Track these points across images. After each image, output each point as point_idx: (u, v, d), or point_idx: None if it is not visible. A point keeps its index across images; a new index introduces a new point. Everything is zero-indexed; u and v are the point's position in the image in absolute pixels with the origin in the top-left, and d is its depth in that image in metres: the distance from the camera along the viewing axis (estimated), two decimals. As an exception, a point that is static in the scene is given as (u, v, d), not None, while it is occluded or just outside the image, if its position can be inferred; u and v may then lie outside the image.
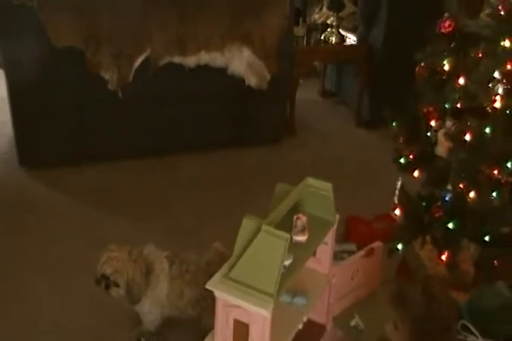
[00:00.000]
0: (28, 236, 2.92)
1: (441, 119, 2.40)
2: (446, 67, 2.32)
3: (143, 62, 3.41)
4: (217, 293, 1.82)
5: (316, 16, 4.55)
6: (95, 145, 3.56)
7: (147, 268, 2.15)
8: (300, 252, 1.94)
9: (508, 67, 2.11)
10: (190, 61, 3.50)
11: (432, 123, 2.42)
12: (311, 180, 2.07)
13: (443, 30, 2.34)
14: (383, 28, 3.98)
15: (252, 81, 3.64)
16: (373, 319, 2.06)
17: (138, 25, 3.35)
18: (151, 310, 2.22)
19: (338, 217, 2.11)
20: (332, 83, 4.59)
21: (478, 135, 2.15)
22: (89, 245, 2.80)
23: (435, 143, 2.41)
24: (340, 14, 4.28)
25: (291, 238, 1.91)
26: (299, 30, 4.26)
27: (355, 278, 2.26)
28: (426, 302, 1.69)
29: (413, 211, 2.35)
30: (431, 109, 2.42)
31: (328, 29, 4.22)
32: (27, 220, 3.05)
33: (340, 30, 4.24)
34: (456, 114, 2.34)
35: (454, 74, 2.29)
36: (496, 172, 2.09)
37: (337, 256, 2.37)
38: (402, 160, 2.44)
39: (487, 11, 2.27)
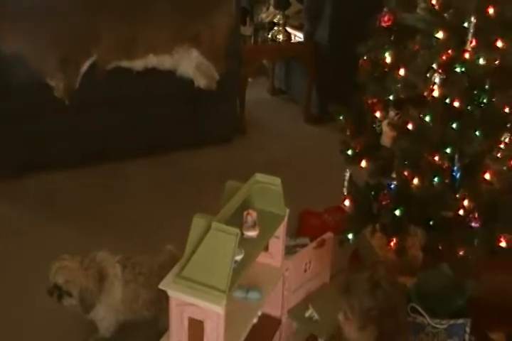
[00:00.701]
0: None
1: (384, 110, 2.45)
2: (388, 60, 2.37)
3: (90, 67, 3.38)
4: (170, 293, 1.83)
5: (263, 15, 4.58)
6: (41, 153, 3.50)
7: (100, 274, 2.14)
8: (251, 247, 1.96)
9: (444, 57, 2.18)
10: (138, 64, 3.49)
11: (377, 114, 2.47)
12: (259, 176, 2.10)
13: (383, 24, 2.40)
14: (328, 25, 4.05)
15: (201, 82, 3.65)
16: (328, 309, 2.09)
17: (83, 29, 3.32)
18: (105, 317, 2.21)
19: (288, 210, 2.14)
20: (281, 81, 4.64)
21: (419, 123, 2.21)
22: (39, 256, 2.76)
23: (380, 134, 2.47)
24: (287, 12, 4.33)
25: (242, 233, 1.93)
26: (247, 30, 4.28)
27: (308, 270, 2.29)
28: (371, 288, 1.72)
29: (362, 201, 2.40)
30: (375, 100, 2.47)
31: (275, 27, 4.26)
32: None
33: (287, 28, 4.29)
34: (398, 104, 2.40)
35: (394, 66, 2.35)
36: (436, 158, 2.16)
37: (291, 251, 2.39)
38: (349, 152, 2.48)
39: (422, 5, 2.33)
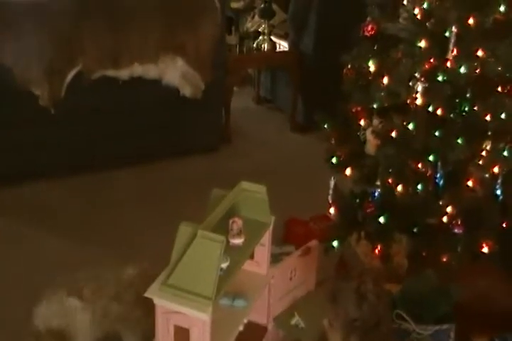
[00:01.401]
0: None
1: (369, 118, 2.48)
2: (372, 68, 2.40)
3: (75, 76, 3.38)
4: (156, 301, 1.83)
5: (249, 25, 4.61)
6: (27, 162, 3.48)
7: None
8: (237, 255, 1.97)
9: (426, 66, 2.22)
10: (124, 74, 3.49)
11: (361, 122, 2.50)
12: (245, 184, 2.11)
13: (366, 34, 2.43)
14: (313, 35, 4.08)
15: (186, 91, 3.66)
16: (313, 316, 2.10)
17: (68, 39, 3.32)
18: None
19: (273, 218, 2.15)
20: (266, 90, 4.66)
21: (403, 131, 2.24)
22: (26, 265, 2.77)
23: (365, 142, 2.49)
24: (272, 22, 4.36)
25: (228, 241, 1.94)
26: (232, 39, 4.31)
27: (293, 278, 2.30)
28: (357, 300, 1.73)
29: (347, 208, 2.42)
30: (359, 108, 2.50)
31: (260, 37, 4.28)
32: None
33: (272, 38, 4.32)
34: (382, 112, 2.43)
35: (378, 74, 2.38)
36: (420, 165, 2.18)
37: (276, 259, 2.40)
38: (334, 160, 2.50)
39: (404, 14, 2.36)
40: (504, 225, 2.30)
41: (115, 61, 3.44)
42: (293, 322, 2.20)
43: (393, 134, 2.30)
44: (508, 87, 2.20)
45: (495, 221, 2.25)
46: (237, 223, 2.01)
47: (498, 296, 2.25)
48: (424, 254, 2.23)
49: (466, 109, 2.20)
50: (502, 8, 2.13)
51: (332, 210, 2.48)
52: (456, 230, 2.19)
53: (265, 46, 4.25)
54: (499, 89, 2.22)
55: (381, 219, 2.27)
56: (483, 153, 2.21)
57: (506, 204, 2.30)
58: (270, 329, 2.22)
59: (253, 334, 2.15)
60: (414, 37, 2.24)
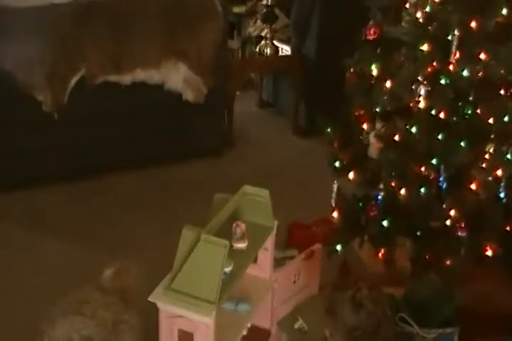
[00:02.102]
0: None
1: (371, 122, 2.48)
2: (374, 72, 2.40)
3: (78, 82, 3.39)
4: (160, 305, 1.83)
5: (251, 29, 4.62)
6: (29, 168, 3.48)
7: None
8: (240, 259, 1.97)
9: (429, 69, 2.22)
10: (126, 79, 3.50)
11: (364, 126, 2.50)
12: (248, 188, 2.11)
13: (369, 37, 2.43)
14: (315, 39, 4.09)
15: (189, 96, 3.66)
16: (317, 320, 2.10)
17: (71, 44, 3.33)
18: None
19: (276, 222, 2.15)
20: (269, 94, 4.66)
21: (406, 135, 2.24)
22: (27, 270, 2.78)
23: (368, 146, 2.49)
24: (274, 26, 4.36)
25: (231, 245, 1.94)
26: (234, 43, 4.31)
27: (297, 282, 2.30)
28: (354, 309, 1.74)
29: (350, 212, 2.42)
30: (362, 112, 2.50)
31: (263, 41, 4.29)
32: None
33: (275, 42, 4.32)
34: (385, 116, 2.42)
35: (381, 78, 2.38)
36: (423, 169, 2.18)
37: (279, 263, 2.40)
38: (337, 164, 2.50)
39: (407, 18, 2.37)
40: (507, 228, 2.30)
41: (117, 66, 3.45)
42: (296, 326, 2.20)
43: (396, 138, 2.29)
44: (511, 90, 2.20)
45: (498, 224, 2.25)
46: (240, 227, 2.01)
47: (502, 299, 2.24)
48: (427, 258, 2.22)
49: (469, 112, 2.20)
50: (504, 11, 2.13)
51: (335, 214, 2.47)
52: (459, 233, 2.18)
53: (267, 50, 4.25)
54: (502, 92, 2.22)
55: (384, 223, 2.26)
56: (487, 156, 2.21)
57: (509, 208, 2.29)
58: (274, 333, 2.22)
59: (256, 339, 2.15)
60: (416, 40, 2.24)
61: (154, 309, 1.84)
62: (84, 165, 3.62)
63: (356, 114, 2.51)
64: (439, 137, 2.18)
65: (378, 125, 2.44)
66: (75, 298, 2.13)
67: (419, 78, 2.26)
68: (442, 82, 2.19)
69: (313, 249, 2.34)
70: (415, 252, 2.29)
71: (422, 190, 2.18)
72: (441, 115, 2.20)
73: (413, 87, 2.28)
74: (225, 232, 1.96)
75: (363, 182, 2.41)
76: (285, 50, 4.33)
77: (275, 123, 4.48)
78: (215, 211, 2.01)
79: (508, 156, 2.19)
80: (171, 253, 1.87)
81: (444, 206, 2.22)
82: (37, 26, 3.27)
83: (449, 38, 2.19)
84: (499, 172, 2.22)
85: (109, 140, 3.62)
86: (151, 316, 1.90)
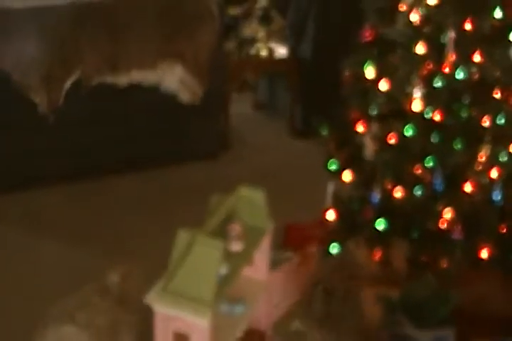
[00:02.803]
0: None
1: (367, 124, 2.48)
2: (370, 74, 2.41)
3: (74, 83, 3.39)
4: (155, 307, 1.83)
5: (247, 31, 4.62)
6: (25, 169, 3.48)
7: None
8: (236, 261, 1.97)
9: (424, 71, 2.23)
10: (122, 80, 3.50)
11: (360, 128, 2.50)
12: (244, 190, 2.12)
13: (365, 39, 2.44)
14: (311, 41, 4.09)
15: (184, 97, 3.66)
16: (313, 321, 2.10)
17: (67, 45, 3.33)
18: None
19: (272, 224, 2.16)
20: (265, 96, 4.66)
21: (401, 136, 2.25)
22: (26, 271, 2.77)
23: (363, 147, 2.49)
24: (270, 28, 4.37)
25: (227, 247, 1.94)
26: (230, 45, 4.31)
27: (292, 284, 2.30)
28: (325, 298, 1.78)
29: (346, 213, 2.42)
30: (357, 114, 2.50)
31: (259, 43, 4.29)
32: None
33: (271, 44, 4.32)
34: (380, 117, 2.43)
35: (376, 79, 2.38)
36: (418, 170, 2.19)
37: (276, 264, 2.40)
38: (332, 166, 2.50)
39: (402, 20, 2.37)
40: (503, 230, 2.30)
41: (113, 68, 3.45)
42: (292, 328, 2.20)
43: (392, 139, 2.30)
44: (506, 92, 2.21)
45: (493, 226, 2.26)
46: (236, 229, 2.02)
47: (498, 301, 2.25)
48: (423, 259, 2.23)
49: (464, 114, 2.21)
50: (498, 14, 2.14)
51: (331, 215, 2.47)
52: (454, 235, 2.19)
53: (263, 52, 4.25)
54: (497, 94, 2.22)
55: (380, 224, 2.27)
56: (482, 158, 2.22)
57: (505, 209, 2.30)
58: (269, 335, 2.22)
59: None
60: (412, 42, 2.25)
61: (151, 310, 1.85)
62: (82, 166, 3.61)
63: (352, 115, 2.51)
64: (435, 139, 2.19)
65: (374, 126, 2.45)
66: (73, 301, 2.13)
67: (415, 80, 2.27)
68: (437, 84, 2.19)
69: (309, 251, 2.35)
70: (411, 253, 2.29)
71: (418, 191, 2.19)
72: (437, 117, 2.21)
73: (408, 88, 2.29)
74: (221, 234, 1.96)
75: (359, 184, 2.42)
76: (281, 51, 4.34)
77: (271, 125, 4.48)
78: (211, 213, 2.02)
79: (503, 158, 2.20)
80: (168, 254, 1.87)
81: (440, 207, 2.23)
82: (34, 27, 3.27)
83: (444, 39, 2.20)
84: (494, 174, 2.23)
85: (105, 142, 3.61)
86: (148, 317, 1.90)
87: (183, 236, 1.85)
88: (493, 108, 2.19)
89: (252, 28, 4.53)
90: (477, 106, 2.19)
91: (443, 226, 2.23)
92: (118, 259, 2.77)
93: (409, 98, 2.27)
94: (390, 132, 2.30)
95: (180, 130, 3.79)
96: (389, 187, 2.25)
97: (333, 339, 1.79)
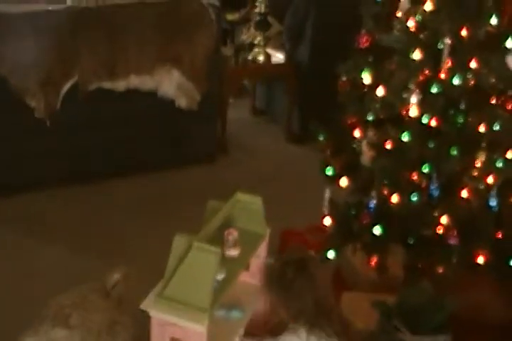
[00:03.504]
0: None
1: (364, 129, 2.49)
2: (366, 80, 2.41)
3: (72, 88, 3.39)
4: (152, 313, 1.83)
5: (244, 36, 4.63)
6: (25, 172, 3.48)
7: None
8: (233, 266, 1.98)
9: (420, 77, 2.23)
10: (120, 85, 3.50)
11: (356, 133, 2.50)
12: (240, 195, 2.12)
13: (361, 45, 2.45)
14: (308, 46, 4.11)
15: (182, 102, 3.67)
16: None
17: (64, 50, 3.33)
18: None
19: (269, 229, 2.16)
20: (262, 101, 4.67)
21: (398, 142, 2.25)
22: (23, 276, 2.76)
23: (360, 153, 2.50)
24: (267, 34, 4.38)
25: (224, 253, 1.94)
26: (228, 51, 4.32)
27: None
28: (283, 291, 1.83)
29: (342, 219, 2.43)
30: (354, 120, 2.51)
31: (256, 48, 4.30)
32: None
33: (268, 49, 4.33)
34: (377, 123, 2.44)
35: (373, 86, 2.39)
36: (415, 176, 2.19)
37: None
38: (329, 171, 2.51)
39: (398, 26, 2.38)
40: (499, 236, 2.31)
41: (111, 72, 3.45)
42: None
43: (388, 145, 2.31)
44: (502, 99, 2.21)
45: (489, 231, 2.26)
46: (232, 234, 2.02)
47: (494, 307, 2.25)
48: (419, 265, 2.23)
49: (461, 120, 2.21)
50: (494, 21, 2.15)
51: (328, 221, 2.48)
52: (451, 241, 2.19)
53: (261, 58, 4.26)
54: (493, 100, 2.23)
55: (377, 230, 2.27)
56: (478, 164, 2.22)
57: (501, 215, 2.30)
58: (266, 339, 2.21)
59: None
60: (408, 48, 2.26)
61: (148, 314, 1.85)
62: (78, 171, 3.61)
63: (349, 121, 2.52)
64: (431, 145, 2.19)
65: (370, 132, 2.45)
66: (69, 299, 2.12)
67: (411, 86, 2.28)
68: (434, 90, 2.20)
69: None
70: (408, 259, 2.30)
71: (414, 197, 2.19)
72: (433, 123, 2.21)
73: (405, 95, 2.30)
74: (218, 239, 1.96)
75: (356, 190, 2.42)
76: (278, 57, 4.35)
77: (268, 130, 4.49)
78: (207, 218, 2.02)
79: (499, 164, 2.21)
80: (164, 259, 1.87)
81: (436, 213, 2.23)
82: (32, 32, 3.27)
83: (441, 46, 2.20)
84: (490, 180, 2.23)
85: (102, 146, 3.61)
86: (145, 322, 1.90)
87: (179, 242, 1.85)
88: (489, 114, 2.19)
89: (250, 34, 4.54)
90: (473, 113, 2.20)
91: (439, 232, 2.23)
92: (117, 262, 2.77)
93: (406, 104, 2.28)
94: (386, 138, 2.30)
95: (178, 134, 3.80)
96: (385, 193, 2.26)
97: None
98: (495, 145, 2.22)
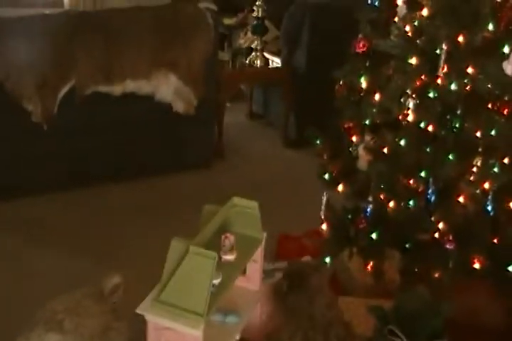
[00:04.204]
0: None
1: (361, 134, 2.49)
2: (363, 85, 2.42)
3: (68, 92, 3.39)
4: (148, 317, 1.82)
5: (241, 41, 4.64)
6: (22, 176, 3.48)
7: None
8: (229, 271, 1.97)
9: (417, 83, 2.24)
10: (117, 89, 3.50)
11: (353, 138, 2.51)
12: (236, 200, 2.12)
13: (358, 50, 2.45)
14: (305, 51, 4.12)
15: (179, 107, 3.67)
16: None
17: (61, 54, 3.34)
18: None
19: (265, 234, 2.16)
20: (259, 106, 4.68)
21: (394, 147, 2.26)
22: (22, 280, 2.76)
23: (357, 158, 2.51)
24: (264, 38, 4.39)
25: (220, 257, 1.94)
26: (225, 55, 4.33)
27: (286, 294, 2.30)
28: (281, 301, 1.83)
29: (339, 224, 2.43)
30: (351, 124, 2.52)
31: (253, 53, 4.31)
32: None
33: (265, 54, 4.34)
34: (374, 128, 2.44)
35: (370, 91, 2.40)
36: (411, 181, 2.20)
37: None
38: (326, 176, 2.51)
39: (395, 31, 2.39)
40: (495, 241, 2.31)
41: (108, 77, 3.45)
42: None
43: (385, 150, 2.31)
44: (498, 104, 2.22)
45: (486, 237, 2.26)
46: (229, 239, 2.01)
47: (490, 312, 2.25)
48: (416, 270, 2.23)
49: (457, 125, 2.21)
50: (490, 26, 2.16)
51: (324, 226, 2.48)
52: (447, 246, 2.19)
53: (258, 62, 4.27)
54: (489, 106, 2.24)
55: (373, 235, 2.28)
56: (474, 170, 2.23)
57: (497, 220, 2.31)
58: (262, 345, 2.21)
59: (245, 351, 2.15)
60: (405, 54, 2.26)
61: (144, 319, 1.84)
62: (76, 175, 3.61)
63: (345, 126, 2.52)
64: (428, 150, 2.20)
65: (367, 137, 2.46)
66: (63, 303, 2.11)
67: (408, 91, 2.28)
68: (430, 95, 2.21)
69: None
70: (404, 264, 2.30)
71: (411, 202, 2.20)
72: (430, 128, 2.22)
73: (402, 100, 2.31)
74: (214, 244, 1.96)
75: (352, 195, 2.42)
76: (275, 61, 4.36)
77: (265, 134, 4.50)
78: (204, 222, 2.02)
79: (496, 169, 2.21)
80: (160, 263, 1.87)
81: (433, 218, 2.23)
82: (28, 36, 3.27)
83: (437, 51, 2.21)
84: (487, 185, 2.24)
85: (99, 151, 3.61)
86: (140, 326, 1.89)
87: (176, 246, 1.85)
88: (486, 120, 2.19)
89: (247, 38, 4.56)
90: (470, 118, 2.20)
91: (436, 237, 2.23)
92: (115, 265, 2.78)
93: (403, 109, 2.29)
94: (383, 143, 2.31)
95: (175, 139, 3.80)
96: (382, 198, 2.26)
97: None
98: (491, 150, 2.22)
